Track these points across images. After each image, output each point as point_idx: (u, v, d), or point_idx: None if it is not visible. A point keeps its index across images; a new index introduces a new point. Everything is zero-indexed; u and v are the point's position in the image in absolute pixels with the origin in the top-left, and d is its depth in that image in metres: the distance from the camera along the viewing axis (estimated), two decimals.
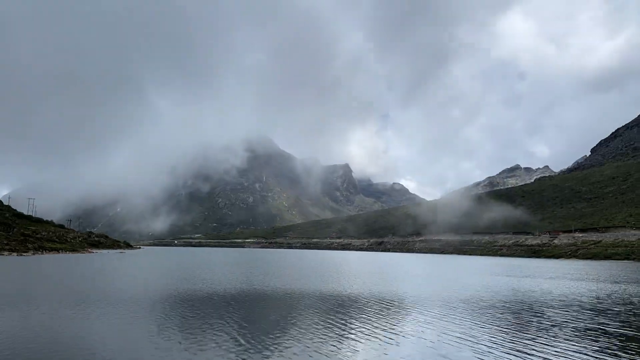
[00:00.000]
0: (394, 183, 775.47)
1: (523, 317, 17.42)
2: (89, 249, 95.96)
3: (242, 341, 12.07)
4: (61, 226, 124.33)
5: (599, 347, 12.60)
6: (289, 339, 12.51)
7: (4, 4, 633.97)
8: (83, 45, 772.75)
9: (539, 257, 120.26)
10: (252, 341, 12.16)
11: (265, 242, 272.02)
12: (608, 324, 16.06)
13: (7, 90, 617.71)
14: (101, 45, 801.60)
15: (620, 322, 16.67)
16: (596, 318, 17.42)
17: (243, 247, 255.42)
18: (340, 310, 17.91)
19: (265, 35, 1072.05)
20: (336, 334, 13.47)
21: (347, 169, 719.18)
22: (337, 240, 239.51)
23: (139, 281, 30.18)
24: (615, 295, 26.04)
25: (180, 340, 11.91)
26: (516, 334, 14.10)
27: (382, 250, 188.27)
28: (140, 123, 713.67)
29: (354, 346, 12.03)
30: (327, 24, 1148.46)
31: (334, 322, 15.24)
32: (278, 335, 13.09)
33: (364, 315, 16.83)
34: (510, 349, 12.08)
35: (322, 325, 14.70)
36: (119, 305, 17.65)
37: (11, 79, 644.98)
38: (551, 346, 12.50)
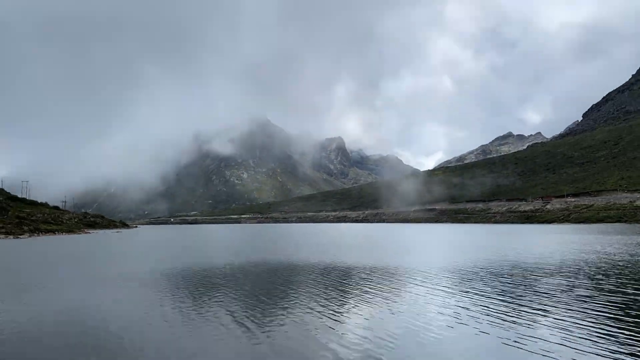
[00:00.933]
0: (387, 155, 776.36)
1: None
2: (85, 230, 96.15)
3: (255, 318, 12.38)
4: (56, 208, 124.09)
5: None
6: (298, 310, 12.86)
7: None
8: (85, 36, 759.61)
9: (531, 222, 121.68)
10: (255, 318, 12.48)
11: (262, 217, 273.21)
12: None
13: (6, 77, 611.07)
14: (102, 37, 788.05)
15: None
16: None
17: (239, 222, 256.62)
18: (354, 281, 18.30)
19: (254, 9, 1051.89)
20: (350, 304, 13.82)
21: (340, 141, 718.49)
22: (333, 213, 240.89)
23: (148, 259, 30.43)
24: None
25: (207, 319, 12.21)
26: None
27: (377, 222, 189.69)
28: (136, 105, 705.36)
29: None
30: None
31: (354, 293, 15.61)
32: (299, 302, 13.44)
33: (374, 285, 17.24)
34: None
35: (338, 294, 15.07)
36: (129, 284, 17.89)
37: (11, 69, 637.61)
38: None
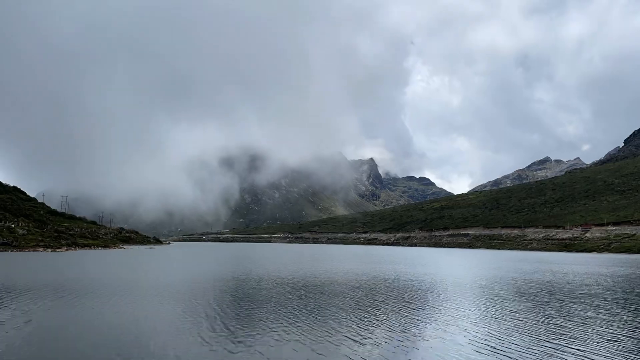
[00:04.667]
0: (420, 177, 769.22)
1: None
2: (120, 245, 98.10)
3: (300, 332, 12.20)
4: (93, 223, 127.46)
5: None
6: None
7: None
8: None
9: (570, 251, 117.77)
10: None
11: (292, 237, 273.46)
12: None
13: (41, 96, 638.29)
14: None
15: None
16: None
17: (269, 242, 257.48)
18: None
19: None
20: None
21: (372, 163, 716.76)
22: (363, 235, 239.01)
23: (180, 274, 30.66)
24: None
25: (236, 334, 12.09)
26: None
27: (408, 245, 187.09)
28: (170, 126, 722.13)
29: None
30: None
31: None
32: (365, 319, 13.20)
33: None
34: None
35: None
36: (161, 297, 18.00)
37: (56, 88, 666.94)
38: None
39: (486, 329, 13.49)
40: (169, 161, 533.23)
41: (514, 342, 11.98)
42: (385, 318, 15.19)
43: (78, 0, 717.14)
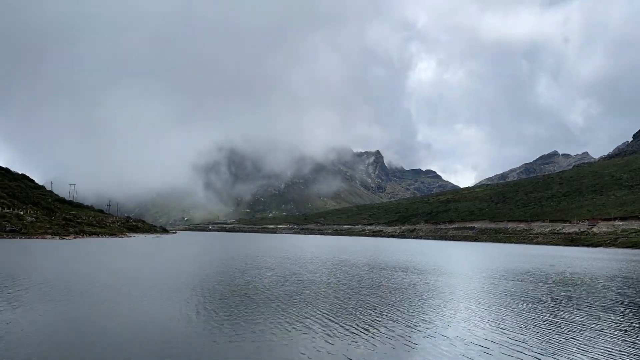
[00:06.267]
0: (426, 170, 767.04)
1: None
2: (127, 233, 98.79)
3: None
4: (100, 211, 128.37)
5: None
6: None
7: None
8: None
9: (576, 245, 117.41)
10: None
11: (297, 228, 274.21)
12: None
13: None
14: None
15: None
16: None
17: (275, 233, 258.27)
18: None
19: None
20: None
21: (378, 155, 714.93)
22: (369, 227, 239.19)
23: (190, 267, 30.89)
24: None
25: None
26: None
27: (414, 238, 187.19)
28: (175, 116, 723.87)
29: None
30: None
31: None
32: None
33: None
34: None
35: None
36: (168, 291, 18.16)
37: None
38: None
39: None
40: (176, 152, 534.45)
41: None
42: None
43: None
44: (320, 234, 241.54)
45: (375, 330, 11.80)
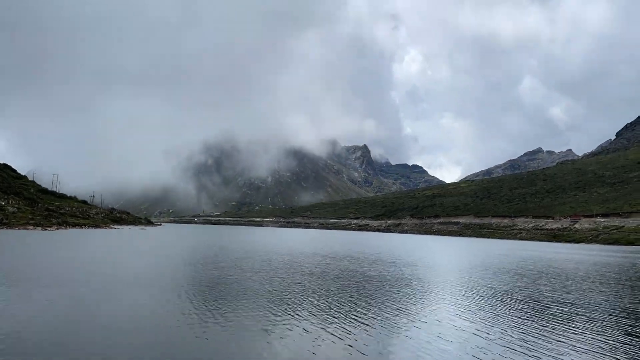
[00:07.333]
0: (413, 165, 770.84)
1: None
2: (111, 225, 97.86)
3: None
4: (84, 202, 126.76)
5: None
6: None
7: None
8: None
9: (558, 241, 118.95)
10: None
11: (284, 222, 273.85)
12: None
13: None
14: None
15: None
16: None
17: (261, 226, 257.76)
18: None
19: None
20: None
21: (365, 150, 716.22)
22: (355, 221, 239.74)
23: (174, 260, 30.73)
24: None
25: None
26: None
27: (399, 232, 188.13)
28: (159, 107, 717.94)
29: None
30: None
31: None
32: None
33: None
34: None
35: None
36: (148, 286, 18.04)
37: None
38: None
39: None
40: (163, 146, 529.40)
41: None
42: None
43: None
44: (307, 227, 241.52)
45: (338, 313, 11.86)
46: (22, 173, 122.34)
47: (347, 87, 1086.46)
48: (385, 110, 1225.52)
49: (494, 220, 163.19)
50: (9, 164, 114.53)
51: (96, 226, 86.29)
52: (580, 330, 12.11)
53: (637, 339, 11.31)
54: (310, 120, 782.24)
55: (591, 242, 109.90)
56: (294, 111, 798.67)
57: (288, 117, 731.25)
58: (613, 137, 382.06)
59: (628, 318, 14.06)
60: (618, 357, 9.75)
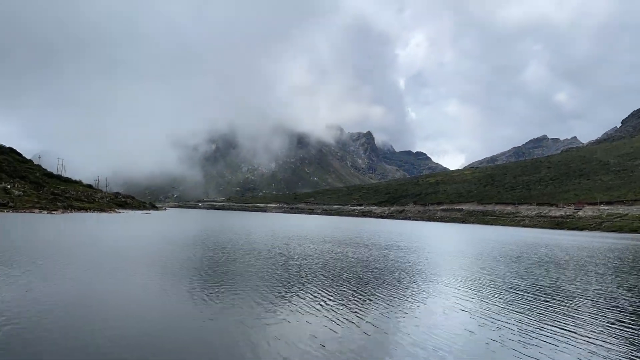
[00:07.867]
0: (417, 152, 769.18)
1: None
2: (116, 209, 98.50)
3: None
4: (89, 186, 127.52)
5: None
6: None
7: None
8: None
9: (562, 228, 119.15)
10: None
11: (287, 208, 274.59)
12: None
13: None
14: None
15: None
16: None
17: (265, 211, 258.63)
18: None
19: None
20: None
21: (369, 136, 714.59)
22: (358, 208, 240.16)
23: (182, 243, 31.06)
24: None
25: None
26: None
27: (402, 219, 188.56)
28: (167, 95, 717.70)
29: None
30: None
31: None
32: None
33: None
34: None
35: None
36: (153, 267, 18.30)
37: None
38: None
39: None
40: (167, 132, 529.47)
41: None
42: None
43: None
44: (310, 213, 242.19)
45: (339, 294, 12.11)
46: (28, 157, 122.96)
47: (351, 72, 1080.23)
48: (389, 96, 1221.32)
49: (497, 208, 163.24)
50: (14, 148, 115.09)
51: (101, 210, 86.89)
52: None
53: None
54: (314, 107, 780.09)
55: (594, 230, 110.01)
56: (298, 98, 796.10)
57: (292, 104, 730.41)
58: (619, 125, 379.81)
59: None
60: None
